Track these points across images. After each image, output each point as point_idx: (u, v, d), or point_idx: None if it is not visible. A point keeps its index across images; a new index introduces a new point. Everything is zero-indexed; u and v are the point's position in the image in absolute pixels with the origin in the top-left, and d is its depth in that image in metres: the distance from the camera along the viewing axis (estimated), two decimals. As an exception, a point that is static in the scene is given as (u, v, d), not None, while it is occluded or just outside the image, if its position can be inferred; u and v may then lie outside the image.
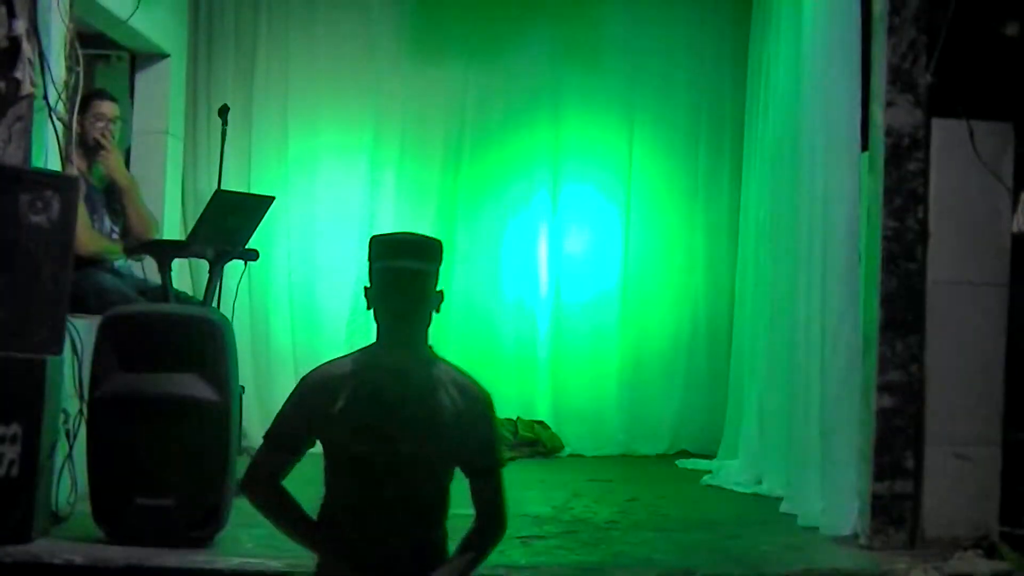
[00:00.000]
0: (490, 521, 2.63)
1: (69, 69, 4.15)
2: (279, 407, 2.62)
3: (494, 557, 2.73)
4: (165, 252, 4.54)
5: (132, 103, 5.74)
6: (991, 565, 3.71)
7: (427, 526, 2.59)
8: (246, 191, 5.81)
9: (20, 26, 3.87)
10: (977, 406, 3.98)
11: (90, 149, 4.68)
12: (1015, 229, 3.99)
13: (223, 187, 5.10)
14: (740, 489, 5.23)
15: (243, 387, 4.40)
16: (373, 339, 2.61)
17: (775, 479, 5.02)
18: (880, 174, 4.01)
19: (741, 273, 6.16)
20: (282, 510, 2.61)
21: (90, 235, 4.51)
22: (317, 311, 6.32)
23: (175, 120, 5.82)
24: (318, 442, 2.60)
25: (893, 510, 3.94)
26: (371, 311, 2.56)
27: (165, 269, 4.45)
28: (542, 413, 6.44)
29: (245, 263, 4.87)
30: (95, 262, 4.53)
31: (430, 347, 2.62)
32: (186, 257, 5.39)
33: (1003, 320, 4.01)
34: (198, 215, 4.64)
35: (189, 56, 6.05)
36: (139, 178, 5.03)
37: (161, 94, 5.70)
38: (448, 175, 6.53)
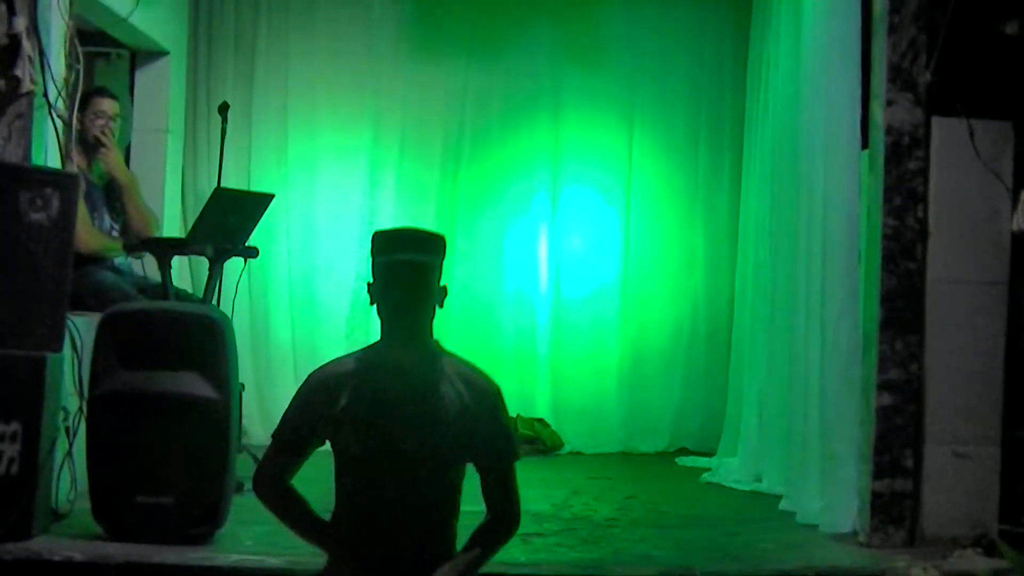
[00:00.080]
0: (501, 517, 2.59)
1: (69, 67, 4.14)
2: (279, 405, 2.63)
3: (493, 554, 2.72)
4: (165, 250, 4.55)
5: (132, 101, 5.75)
6: (990, 563, 3.71)
7: (435, 525, 2.55)
8: (246, 189, 5.82)
9: (20, 23, 3.86)
10: (976, 405, 3.98)
11: (90, 146, 4.68)
12: (1015, 228, 3.98)
13: (223, 185, 5.11)
14: (739, 487, 5.23)
15: (243, 385, 4.41)
16: (374, 337, 2.60)
17: (774, 477, 5.02)
18: (880, 173, 4.01)
19: (741, 271, 6.15)
20: (291, 509, 2.60)
21: (90, 233, 4.51)
22: (317, 309, 6.32)
23: (175, 118, 5.83)
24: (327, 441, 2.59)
25: (892, 508, 3.94)
26: (374, 307, 2.54)
27: (165, 267, 4.46)
28: (542, 410, 6.44)
29: (245, 261, 4.89)
30: (95, 260, 4.53)
31: (436, 341, 2.59)
32: (186, 255, 5.38)
33: (1003, 319, 4.01)
34: (198, 213, 4.65)
35: (189, 54, 6.05)
36: (139, 176, 5.02)
37: (161, 92, 5.70)
38: (448, 175, 6.52)
